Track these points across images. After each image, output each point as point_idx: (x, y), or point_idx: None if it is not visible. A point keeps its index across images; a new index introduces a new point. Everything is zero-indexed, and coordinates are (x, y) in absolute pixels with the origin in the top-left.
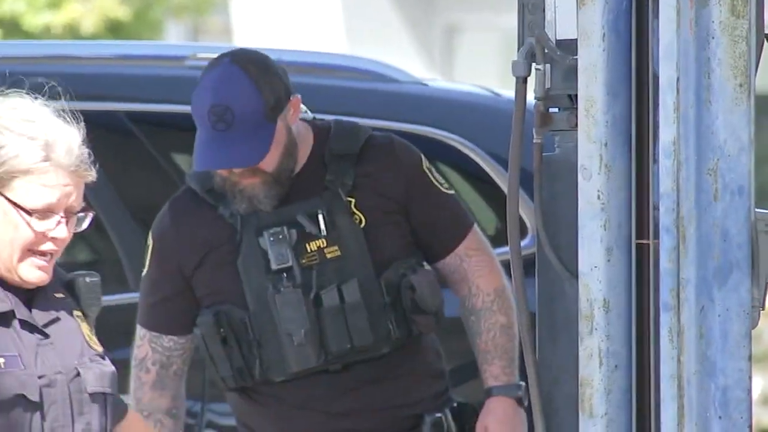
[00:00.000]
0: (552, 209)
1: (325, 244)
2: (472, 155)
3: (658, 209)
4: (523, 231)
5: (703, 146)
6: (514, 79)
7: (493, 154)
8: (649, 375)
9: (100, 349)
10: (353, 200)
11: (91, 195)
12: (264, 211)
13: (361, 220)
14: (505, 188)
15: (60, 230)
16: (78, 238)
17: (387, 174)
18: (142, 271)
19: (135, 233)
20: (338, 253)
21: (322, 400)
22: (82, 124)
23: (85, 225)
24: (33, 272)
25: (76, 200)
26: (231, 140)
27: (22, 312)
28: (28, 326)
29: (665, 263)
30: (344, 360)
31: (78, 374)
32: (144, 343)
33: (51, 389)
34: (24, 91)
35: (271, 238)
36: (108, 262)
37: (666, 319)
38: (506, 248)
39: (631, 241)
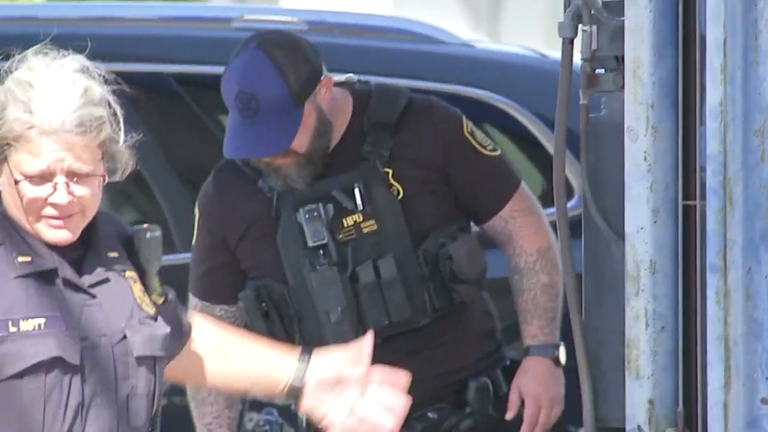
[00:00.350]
0: (598, 170)
1: (361, 219)
2: (519, 116)
3: (705, 171)
4: (569, 192)
5: (750, 107)
6: (560, 40)
7: (540, 115)
8: (696, 336)
9: (152, 311)
10: (391, 171)
11: (139, 157)
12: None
13: (398, 192)
14: (551, 149)
15: (58, 195)
16: (125, 199)
17: (425, 141)
18: (188, 233)
19: (182, 195)
20: (375, 227)
21: None
22: (108, 87)
23: (88, 188)
24: (51, 233)
25: (75, 163)
26: (257, 127)
27: (66, 271)
28: (73, 286)
29: (712, 225)
30: (383, 334)
31: (124, 337)
32: (196, 313)
33: (94, 352)
34: (49, 51)
35: (306, 216)
36: (154, 223)
37: (713, 281)
38: (552, 209)
39: (677, 203)
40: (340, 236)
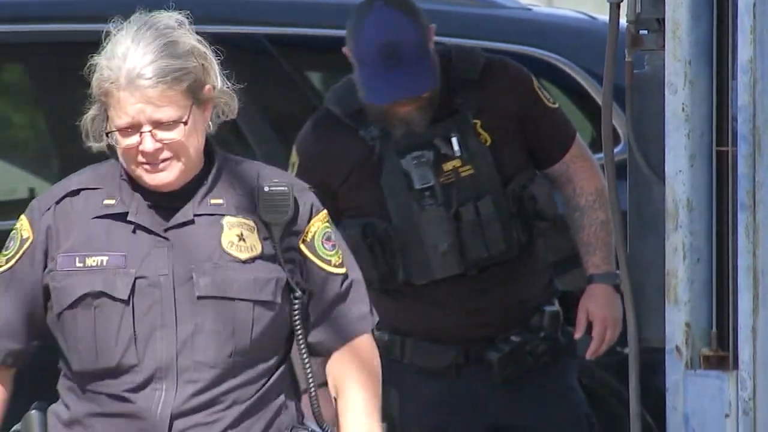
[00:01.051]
0: (641, 120)
1: (459, 164)
2: (571, 72)
3: (737, 120)
4: (616, 139)
5: None
6: (608, 5)
7: (590, 71)
8: (728, 267)
9: (245, 256)
10: (479, 122)
11: (239, 114)
12: (400, 135)
13: (486, 140)
14: (600, 101)
15: (146, 143)
16: (224, 148)
17: (504, 96)
18: None
19: (274, 144)
20: (472, 171)
21: (459, 299)
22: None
23: (175, 134)
24: (149, 177)
25: (156, 113)
26: (401, 74)
27: (143, 214)
28: (145, 229)
29: (742, 168)
30: (480, 265)
31: (191, 277)
32: None
33: (151, 289)
34: (150, 12)
35: (414, 161)
36: None
37: (743, 218)
38: (601, 155)
39: (712, 149)
40: (442, 179)
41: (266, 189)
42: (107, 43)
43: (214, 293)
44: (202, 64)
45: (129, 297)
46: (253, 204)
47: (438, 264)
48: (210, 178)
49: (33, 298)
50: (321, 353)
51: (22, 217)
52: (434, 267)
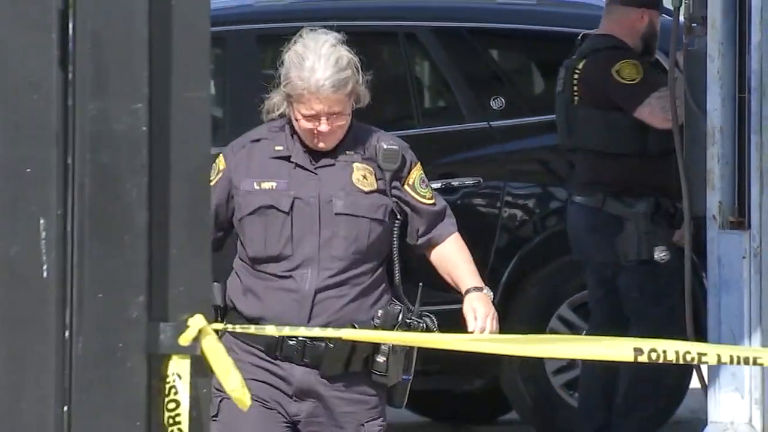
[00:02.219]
0: (693, 79)
1: None
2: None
3: (750, 78)
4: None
5: None
6: (672, 8)
7: (661, 49)
8: (745, 167)
9: (366, 189)
10: None
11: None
12: None
13: None
14: (668, 67)
15: (322, 127)
16: None
17: None
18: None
19: None
20: None
21: None
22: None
23: (341, 121)
24: (319, 146)
25: (332, 109)
26: None
27: (299, 156)
28: (302, 167)
29: (753, 107)
30: None
31: (331, 200)
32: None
33: (304, 205)
34: (316, 29)
35: None
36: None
37: (754, 139)
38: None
39: (735, 95)
40: None
41: (384, 147)
42: (289, 51)
43: (346, 211)
44: (353, 70)
45: (289, 210)
46: (373, 156)
47: None
48: (348, 137)
49: (219, 207)
50: (433, 247)
51: (220, 155)
52: None
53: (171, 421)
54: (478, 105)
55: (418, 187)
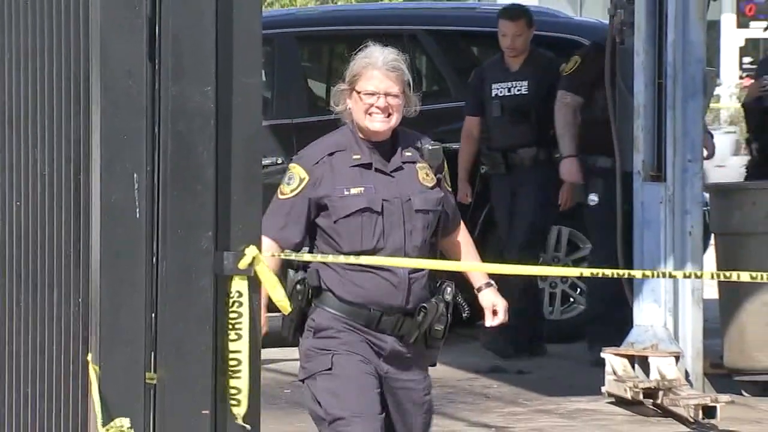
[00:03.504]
0: (624, 67)
1: None
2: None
3: (667, 68)
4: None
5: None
6: (609, 15)
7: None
8: (662, 136)
9: (430, 185)
10: None
11: None
12: None
13: None
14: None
15: (379, 102)
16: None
17: None
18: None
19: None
20: None
21: None
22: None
23: (395, 101)
24: (373, 124)
25: (390, 89)
26: None
27: (378, 162)
28: (381, 171)
29: (669, 89)
30: None
31: (409, 199)
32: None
33: (390, 205)
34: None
35: None
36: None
37: (670, 114)
38: None
39: (655, 80)
40: None
41: (429, 147)
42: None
43: (422, 207)
44: (407, 70)
45: (381, 210)
46: (421, 155)
47: None
48: (400, 138)
49: (303, 214)
50: (448, 235)
51: (295, 165)
52: None
53: (231, 326)
54: (463, 87)
55: (449, 180)
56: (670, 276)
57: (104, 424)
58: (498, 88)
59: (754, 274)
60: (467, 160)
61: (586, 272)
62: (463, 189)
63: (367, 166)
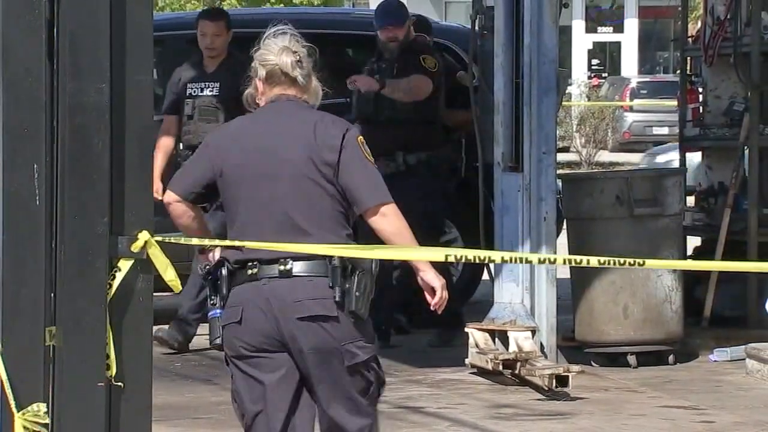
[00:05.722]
0: (484, 69)
1: None
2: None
3: (523, 68)
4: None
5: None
6: (470, 20)
7: (464, 49)
8: (520, 132)
9: None
10: None
11: None
12: None
13: None
14: (467, 61)
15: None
16: None
17: None
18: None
19: None
20: None
21: None
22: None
23: None
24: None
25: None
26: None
27: None
28: None
29: (526, 87)
30: None
31: None
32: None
33: None
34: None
35: None
36: None
37: (527, 109)
38: None
39: (513, 79)
40: None
41: None
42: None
43: None
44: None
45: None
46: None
47: None
48: None
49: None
50: None
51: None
52: None
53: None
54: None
55: None
56: (527, 261)
57: (18, 408)
58: (192, 88)
59: (602, 259)
60: (162, 158)
61: (451, 257)
62: (155, 186)
63: None
